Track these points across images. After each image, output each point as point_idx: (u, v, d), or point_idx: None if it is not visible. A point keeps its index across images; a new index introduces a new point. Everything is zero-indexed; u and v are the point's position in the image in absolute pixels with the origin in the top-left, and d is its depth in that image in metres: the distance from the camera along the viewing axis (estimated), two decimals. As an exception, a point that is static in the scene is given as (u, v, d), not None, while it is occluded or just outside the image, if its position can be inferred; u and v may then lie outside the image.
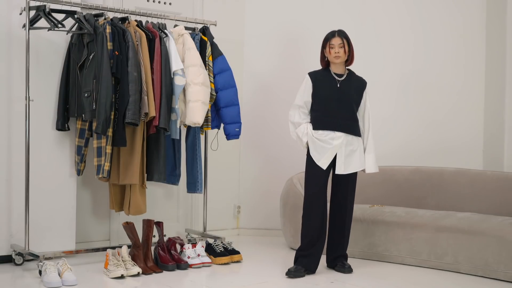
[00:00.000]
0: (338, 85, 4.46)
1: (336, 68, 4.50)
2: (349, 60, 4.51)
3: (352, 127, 4.46)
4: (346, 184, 4.51)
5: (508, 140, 5.68)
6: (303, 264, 4.44)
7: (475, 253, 4.50)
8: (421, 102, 5.95)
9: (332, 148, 4.41)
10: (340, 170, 4.44)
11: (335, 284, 4.25)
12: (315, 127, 4.46)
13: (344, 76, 4.50)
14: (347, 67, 4.54)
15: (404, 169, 5.51)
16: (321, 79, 4.50)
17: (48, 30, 4.43)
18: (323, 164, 4.42)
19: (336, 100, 4.44)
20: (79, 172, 4.70)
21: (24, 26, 4.40)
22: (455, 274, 4.55)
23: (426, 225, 4.75)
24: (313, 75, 4.53)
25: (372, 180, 5.48)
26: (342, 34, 4.47)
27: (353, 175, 4.52)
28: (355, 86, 4.51)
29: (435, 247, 4.68)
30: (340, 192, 4.52)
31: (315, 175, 4.46)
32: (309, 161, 4.48)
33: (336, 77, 4.48)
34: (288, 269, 4.41)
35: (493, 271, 4.41)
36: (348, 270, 4.52)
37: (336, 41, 4.44)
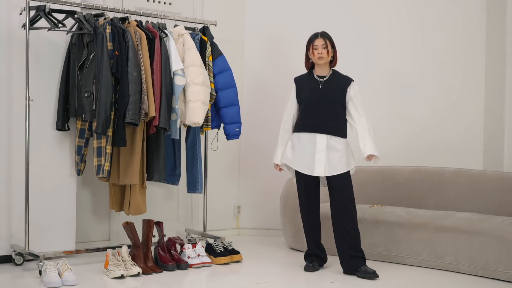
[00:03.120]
0: (320, 86, 4.46)
1: (320, 70, 4.51)
2: (333, 61, 4.53)
3: (333, 128, 4.43)
4: (338, 187, 4.45)
5: (508, 140, 5.68)
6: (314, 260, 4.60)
7: (475, 253, 4.50)
8: (421, 102, 5.95)
9: (312, 150, 4.41)
10: (320, 172, 4.41)
11: (335, 284, 4.25)
12: (297, 130, 4.50)
13: (327, 77, 4.49)
14: (332, 68, 4.55)
15: (404, 169, 5.50)
16: (304, 82, 4.54)
17: (48, 30, 4.42)
18: (302, 168, 4.46)
19: (317, 101, 4.44)
20: (79, 172, 4.70)
21: (23, 26, 4.40)
22: (455, 274, 4.55)
23: (426, 225, 4.75)
24: (297, 79, 4.59)
25: (372, 180, 5.48)
26: (324, 35, 4.48)
27: (343, 177, 4.45)
28: (339, 86, 4.48)
29: (435, 247, 4.68)
30: (334, 195, 4.48)
31: (299, 181, 4.53)
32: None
33: (319, 79, 4.49)
34: (306, 265, 4.57)
35: (493, 271, 4.41)
36: (372, 276, 4.35)
37: (319, 42, 4.45)
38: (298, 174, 4.53)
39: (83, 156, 4.65)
